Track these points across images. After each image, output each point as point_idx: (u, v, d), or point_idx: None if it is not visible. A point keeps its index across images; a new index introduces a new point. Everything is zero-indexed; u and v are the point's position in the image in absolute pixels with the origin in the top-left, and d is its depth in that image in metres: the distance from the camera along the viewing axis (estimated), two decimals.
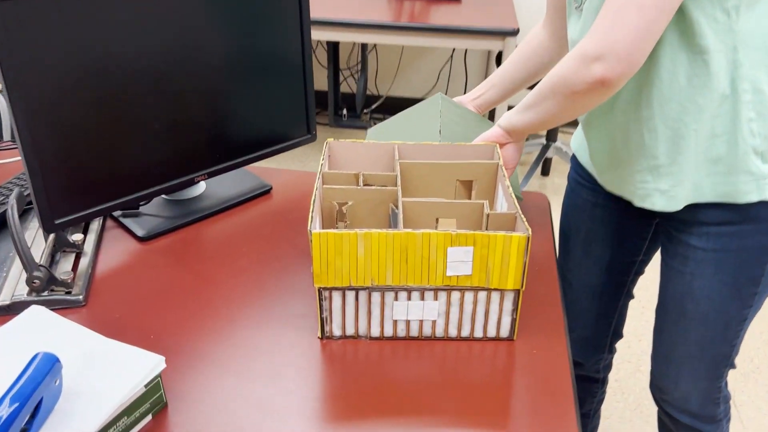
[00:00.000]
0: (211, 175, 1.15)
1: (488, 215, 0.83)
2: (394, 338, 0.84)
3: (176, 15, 1.00)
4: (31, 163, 0.91)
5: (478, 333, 0.84)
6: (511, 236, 0.76)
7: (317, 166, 2.91)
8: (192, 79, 1.06)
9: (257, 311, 0.93)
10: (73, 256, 0.99)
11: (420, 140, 1.07)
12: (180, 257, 1.04)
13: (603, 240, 1.15)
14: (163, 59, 1.01)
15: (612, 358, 1.36)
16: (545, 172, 3.00)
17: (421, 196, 1.00)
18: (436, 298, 0.80)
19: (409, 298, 0.80)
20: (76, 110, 0.94)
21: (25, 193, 1.06)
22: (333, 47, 3.03)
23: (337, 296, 0.81)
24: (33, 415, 0.65)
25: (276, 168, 1.34)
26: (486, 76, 3.27)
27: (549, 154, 2.90)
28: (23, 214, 1.10)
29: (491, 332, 0.84)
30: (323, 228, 0.93)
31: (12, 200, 0.91)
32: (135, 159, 1.03)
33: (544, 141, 2.93)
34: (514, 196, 0.84)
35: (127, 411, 0.71)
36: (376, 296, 0.81)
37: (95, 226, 1.07)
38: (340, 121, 2.96)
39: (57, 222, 0.96)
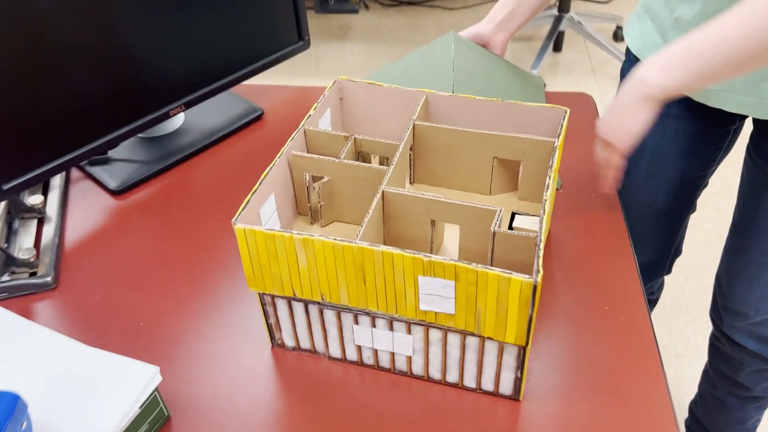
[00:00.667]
0: (188, 105, 0.95)
1: (494, 234, 0.62)
2: (360, 364, 0.69)
3: None
4: None
5: (469, 383, 0.66)
6: (509, 279, 0.54)
7: (310, 82, 2.63)
8: None
9: None
10: (34, 224, 0.82)
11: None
12: (164, 213, 0.87)
13: (675, 156, 0.99)
14: None
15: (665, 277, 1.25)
16: (557, 47, 2.73)
17: (440, 175, 0.78)
18: (409, 332, 0.63)
19: (373, 325, 0.64)
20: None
21: None
22: None
23: (282, 305, 0.66)
24: None
25: (263, 84, 1.12)
26: None
27: (561, 26, 2.62)
28: None
29: (487, 386, 0.65)
30: (293, 210, 0.75)
31: None
32: (90, 98, 0.83)
33: (555, 12, 2.64)
34: (549, 201, 0.63)
35: None
36: (329, 314, 0.65)
37: (57, 181, 0.89)
38: (326, 5, 2.65)
39: (5, 187, 0.79)
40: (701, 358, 1.59)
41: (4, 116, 0.76)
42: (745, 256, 0.95)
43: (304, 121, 0.73)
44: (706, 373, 1.15)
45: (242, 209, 0.61)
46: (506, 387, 0.64)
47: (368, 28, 2.90)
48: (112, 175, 0.93)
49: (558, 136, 0.69)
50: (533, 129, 0.75)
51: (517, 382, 0.63)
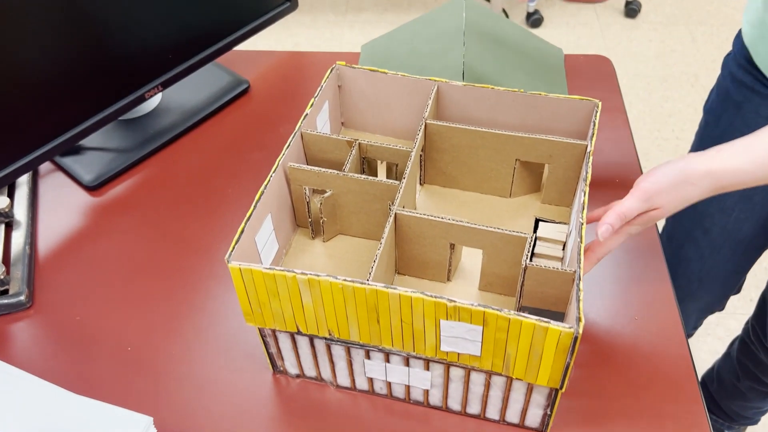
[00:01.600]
0: (165, 84, 0.85)
1: (525, 268, 0.54)
2: (372, 393, 0.64)
3: None
4: None
5: (492, 415, 0.60)
6: (546, 328, 0.48)
7: (286, 23, 2.44)
8: None
9: None
10: (1, 230, 0.74)
11: (431, 68, 0.74)
12: (147, 211, 0.79)
13: None
14: None
15: None
16: None
17: (454, 177, 0.69)
18: (427, 368, 0.57)
19: (387, 361, 0.58)
20: None
21: None
22: None
23: (284, 338, 0.60)
24: None
25: (248, 51, 1.01)
26: None
27: None
28: None
29: (511, 418, 0.60)
30: (292, 223, 0.66)
31: None
32: (52, 82, 0.72)
33: None
34: (585, 222, 0.55)
35: None
36: (338, 349, 0.58)
37: (25, 177, 0.80)
38: None
39: None
40: (710, 336, 1.55)
41: None
42: None
43: (300, 122, 0.64)
44: (728, 360, 1.10)
45: (236, 242, 0.53)
46: (533, 421, 0.59)
47: None
48: (85, 167, 0.84)
49: (590, 139, 0.61)
50: (559, 123, 0.67)
51: (546, 417, 0.58)
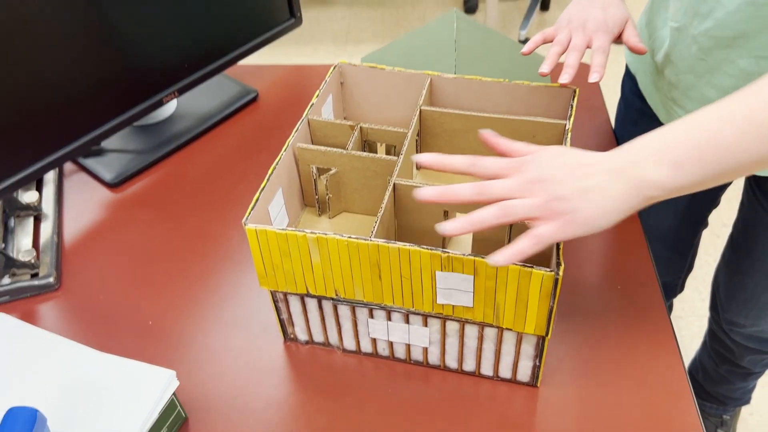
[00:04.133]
0: (181, 91, 0.92)
1: (510, 228, 0.61)
2: (375, 356, 0.69)
3: None
4: None
5: (487, 371, 0.66)
6: (530, 272, 0.53)
7: (294, 49, 2.56)
8: None
9: None
10: (30, 222, 0.81)
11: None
12: (163, 204, 0.85)
13: None
14: None
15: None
16: (545, 6, 2.69)
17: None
18: (425, 324, 0.63)
19: (389, 319, 0.64)
20: None
21: None
22: None
23: (294, 301, 0.65)
24: None
25: (256, 65, 1.09)
26: None
27: None
28: None
29: (504, 373, 0.65)
30: (300, 202, 0.73)
31: None
32: (79, 90, 0.80)
33: None
34: None
35: None
36: (344, 309, 0.64)
37: (51, 175, 0.87)
38: None
39: None
40: (698, 318, 1.61)
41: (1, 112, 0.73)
42: (737, 277, 0.94)
43: (307, 110, 0.71)
44: (705, 348, 1.15)
45: (252, 208, 0.60)
46: (524, 374, 0.64)
47: None
48: (106, 167, 0.90)
49: (569, 118, 0.68)
50: (542, 109, 0.74)
51: (536, 369, 0.63)
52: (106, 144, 0.93)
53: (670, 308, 1.26)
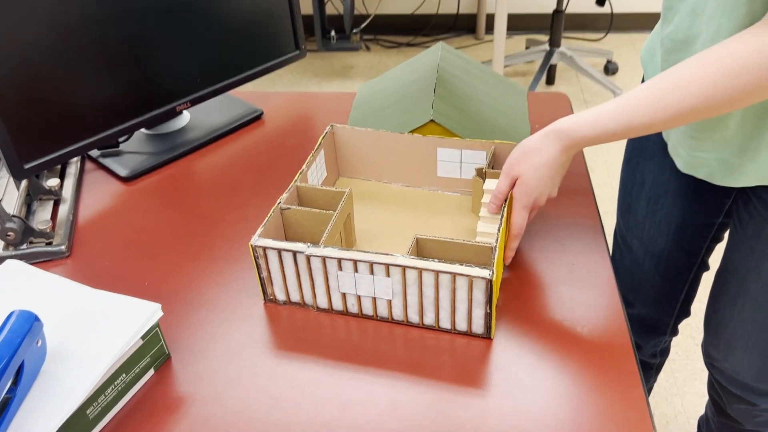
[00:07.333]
0: (193, 102, 1.04)
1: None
2: (346, 313, 0.76)
3: None
4: None
5: (445, 324, 0.72)
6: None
7: (308, 89, 2.76)
8: None
9: None
10: (50, 204, 0.90)
11: (413, 100, 0.95)
12: (169, 196, 0.95)
13: (674, 194, 0.94)
14: None
15: (671, 340, 1.18)
16: (550, 80, 2.85)
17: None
18: (387, 275, 0.70)
19: (355, 270, 0.71)
20: (32, 39, 0.82)
21: None
22: None
23: (273, 255, 0.73)
24: (15, 382, 0.57)
25: (264, 92, 1.22)
26: None
27: (553, 60, 2.74)
28: None
29: (460, 325, 0.72)
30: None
31: None
32: (106, 90, 0.93)
33: (547, 47, 2.77)
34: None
35: (125, 367, 0.64)
36: (316, 262, 0.72)
37: (73, 169, 0.98)
38: (329, 44, 2.79)
39: (26, 167, 0.86)
40: (690, 361, 1.61)
41: (28, 103, 0.85)
42: (716, 305, 0.93)
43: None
44: (708, 398, 1.08)
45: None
46: (478, 325, 0.70)
47: (369, 68, 3.04)
48: (122, 164, 1.01)
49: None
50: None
51: (488, 318, 0.69)
52: (124, 147, 1.04)
53: (665, 352, 1.21)
